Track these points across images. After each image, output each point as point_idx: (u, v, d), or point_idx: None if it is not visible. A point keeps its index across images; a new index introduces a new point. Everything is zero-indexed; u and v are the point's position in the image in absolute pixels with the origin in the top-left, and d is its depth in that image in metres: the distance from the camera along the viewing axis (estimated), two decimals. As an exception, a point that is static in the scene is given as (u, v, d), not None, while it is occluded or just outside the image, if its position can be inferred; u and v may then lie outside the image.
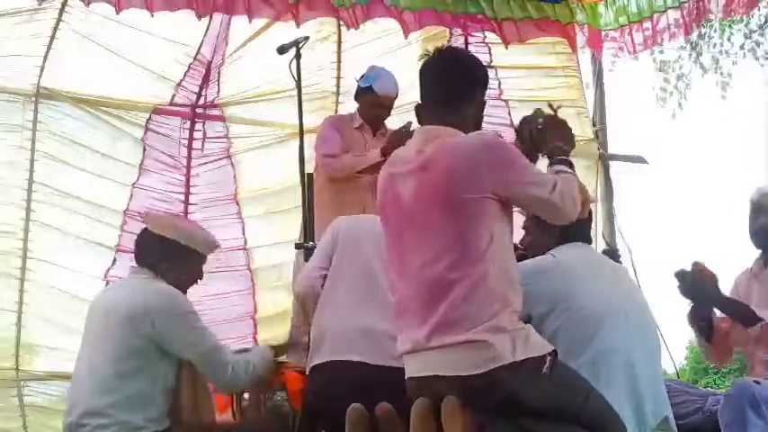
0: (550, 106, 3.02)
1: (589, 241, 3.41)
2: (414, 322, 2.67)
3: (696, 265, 3.68)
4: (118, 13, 4.67)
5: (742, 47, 10.73)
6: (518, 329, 2.60)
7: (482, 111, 2.86)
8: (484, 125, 2.89)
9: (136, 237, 3.49)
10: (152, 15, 4.72)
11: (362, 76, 4.70)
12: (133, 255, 3.47)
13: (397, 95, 4.66)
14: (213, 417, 3.38)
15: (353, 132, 4.72)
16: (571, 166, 2.85)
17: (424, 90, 2.86)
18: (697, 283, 3.65)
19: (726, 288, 3.81)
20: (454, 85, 2.81)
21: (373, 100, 4.63)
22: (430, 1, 5.50)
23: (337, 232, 3.45)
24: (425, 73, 2.85)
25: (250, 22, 5.10)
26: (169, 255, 3.31)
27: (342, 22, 5.38)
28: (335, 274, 3.33)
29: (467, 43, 5.93)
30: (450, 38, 5.89)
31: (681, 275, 3.67)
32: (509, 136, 5.78)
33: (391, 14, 5.31)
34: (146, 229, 3.41)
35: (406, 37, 5.50)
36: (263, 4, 4.98)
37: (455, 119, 2.76)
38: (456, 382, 2.56)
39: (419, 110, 2.86)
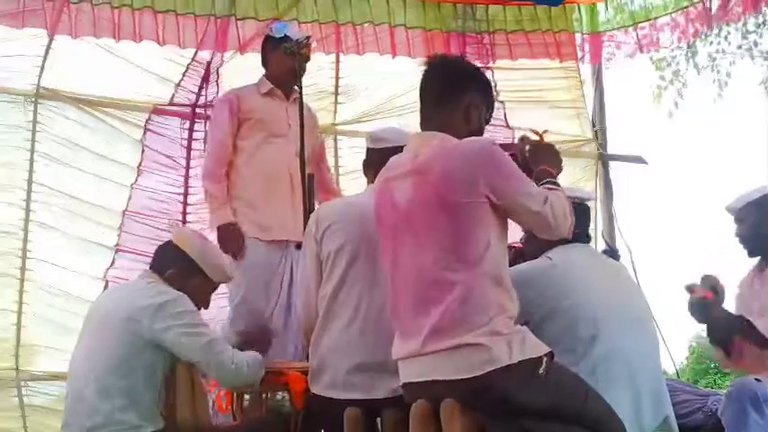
0: (535, 132, 3.06)
1: (587, 241, 3.41)
2: (409, 327, 2.68)
3: (706, 279, 3.64)
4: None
5: (739, 46, 10.74)
6: (514, 333, 2.61)
7: (476, 116, 2.86)
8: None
9: (157, 246, 3.58)
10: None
11: (271, 31, 4.41)
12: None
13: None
14: (209, 418, 3.39)
15: (260, 101, 4.38)
16: (558, 186, 2.87)
17: (419, 96, 2.91)
18: (706, 317, 3.61)
19: (730, 294, 3.78)
20: (439, 89, 2.85)
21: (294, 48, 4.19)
22: (422, 20, 5.68)
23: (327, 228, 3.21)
24: (421, 80, 2.91)
25: (242, 53, 5.33)
26: (179, 267, 3.35)
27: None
28: (336, 293, 3.11)
29: (464, 44, 5.95)
30: None
31: (691, 306, 3.60)
32: (504, 136, 5.85)
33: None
34: (170, 240, 3.47)
35: (393, 57, 5.64)
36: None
37: (441, 122, 2.81)
38: (453, 385, 2.58)
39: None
